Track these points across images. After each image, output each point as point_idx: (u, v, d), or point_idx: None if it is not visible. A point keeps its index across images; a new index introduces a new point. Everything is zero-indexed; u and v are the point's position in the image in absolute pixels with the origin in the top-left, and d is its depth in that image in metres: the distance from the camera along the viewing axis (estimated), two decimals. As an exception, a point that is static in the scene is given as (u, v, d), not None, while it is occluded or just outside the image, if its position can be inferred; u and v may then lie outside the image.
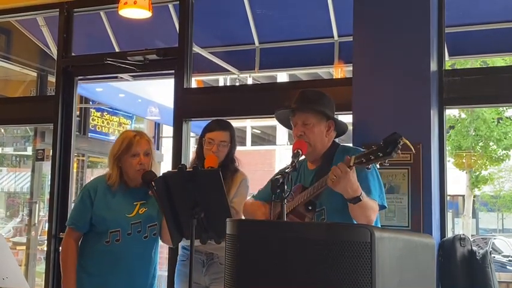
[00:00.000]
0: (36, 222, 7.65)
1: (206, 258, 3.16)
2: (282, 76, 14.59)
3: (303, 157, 2.54)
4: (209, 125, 3.26)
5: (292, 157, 2.39)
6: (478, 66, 8.78)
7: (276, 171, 2.46)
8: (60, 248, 2.99)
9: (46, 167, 6.94)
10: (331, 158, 2.55)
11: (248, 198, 3.04)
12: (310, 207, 2.45)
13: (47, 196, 6.77)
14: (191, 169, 2.63)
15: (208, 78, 12.72)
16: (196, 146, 3.36)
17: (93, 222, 2.88)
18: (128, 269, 2.86)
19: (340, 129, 2.63)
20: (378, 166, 2.12)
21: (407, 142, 2.12)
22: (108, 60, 4.46)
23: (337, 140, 2.72)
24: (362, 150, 2.46)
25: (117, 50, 5.30)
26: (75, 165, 6.09)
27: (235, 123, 3.47)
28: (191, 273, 2.61)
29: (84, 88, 7.59)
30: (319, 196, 2.42)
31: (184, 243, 3.13)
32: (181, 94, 4.31)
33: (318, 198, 2.44)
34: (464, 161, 14.62)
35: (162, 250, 5.67)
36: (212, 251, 3.15)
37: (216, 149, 3.12)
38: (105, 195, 2.89)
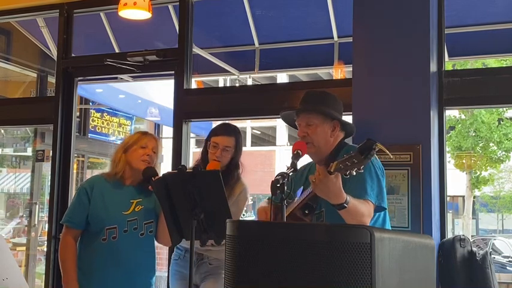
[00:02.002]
0: (36, 223, 7.64)
1: (196, 258, 3.20)
2: (282, 77, 14.62)
3: (309, 160, 2.50)
4: (216, 128, 3.25)
5: (292, 158, 2.37)
6: (478, 67, 8.78)
7: (276, 172, 2.44)
8: (59, 246, 2.96)
9: (46, 167, 6.94)
10: (336, 158, 2.51)
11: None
12: (306, 211, 2.40)
13: (46, 197, 6.77)
14: (191, 170, 2.64)
15: (208, 79, 12.72)
16: (201, 148, 3.36)
17: (89, 220, 2.88)
18: (125, 266, 2.86)
19: (348, 129, 2.59)
20: (354, 173, 2.08)
21: (383, 147, 2.11)
22: (108, 61, 4.46)
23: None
24: None
25: (117, 51, 5.31)
26: (75, 166, 6.08)
27: (235, 124, 3.46)
28: (191, 274, 2.62)
29: (84, 89, 7.60)
30: (318, 199, 2.36)
31: None
32: (181, 95, 4.31)
33: (317, 201, 2.38)
34: (464, 161, 14.62)
35: (163, 251, 5.68)
36: (202, 252, 3.20)
37: (220, 154, 3.11)
38: (102, 194, 2.91)
